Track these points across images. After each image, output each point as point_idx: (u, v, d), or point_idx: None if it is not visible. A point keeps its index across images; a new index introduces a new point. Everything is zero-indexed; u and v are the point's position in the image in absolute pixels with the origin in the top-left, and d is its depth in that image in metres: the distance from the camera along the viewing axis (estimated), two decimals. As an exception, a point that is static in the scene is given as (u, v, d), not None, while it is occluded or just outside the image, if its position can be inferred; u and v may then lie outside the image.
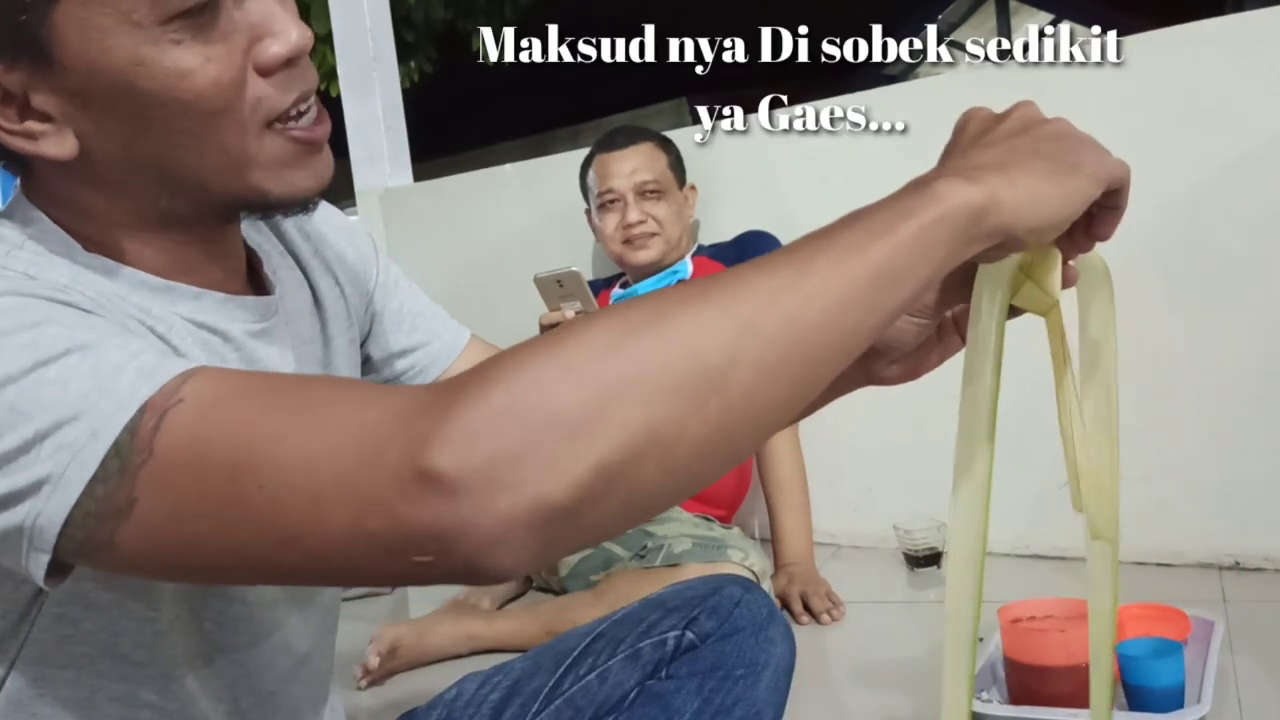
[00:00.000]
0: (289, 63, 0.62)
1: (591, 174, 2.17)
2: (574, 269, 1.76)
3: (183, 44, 0.58)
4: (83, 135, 0.60)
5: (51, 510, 0.50)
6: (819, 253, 0.51)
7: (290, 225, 0.81)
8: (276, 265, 0.78)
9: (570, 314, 1.76)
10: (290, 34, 0.61)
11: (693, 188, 2.20)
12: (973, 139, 0.60)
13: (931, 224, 0.53)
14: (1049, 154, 0.57)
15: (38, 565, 0.52)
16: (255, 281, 0.75)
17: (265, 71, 0.61)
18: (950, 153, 0.61)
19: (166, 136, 0.60)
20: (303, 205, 0.67)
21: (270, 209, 0.67)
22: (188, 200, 0.64)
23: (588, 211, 2.22)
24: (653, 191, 2.09)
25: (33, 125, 0.60)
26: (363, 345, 0.87)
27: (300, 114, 0.64)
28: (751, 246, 2.12)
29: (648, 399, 0.45)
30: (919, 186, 0.55)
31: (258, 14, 0.61)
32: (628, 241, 2.09)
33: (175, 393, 0.50)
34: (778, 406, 0.50)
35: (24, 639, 0.63)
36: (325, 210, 0.85)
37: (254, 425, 0.49)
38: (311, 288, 0.81)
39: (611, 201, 2.11)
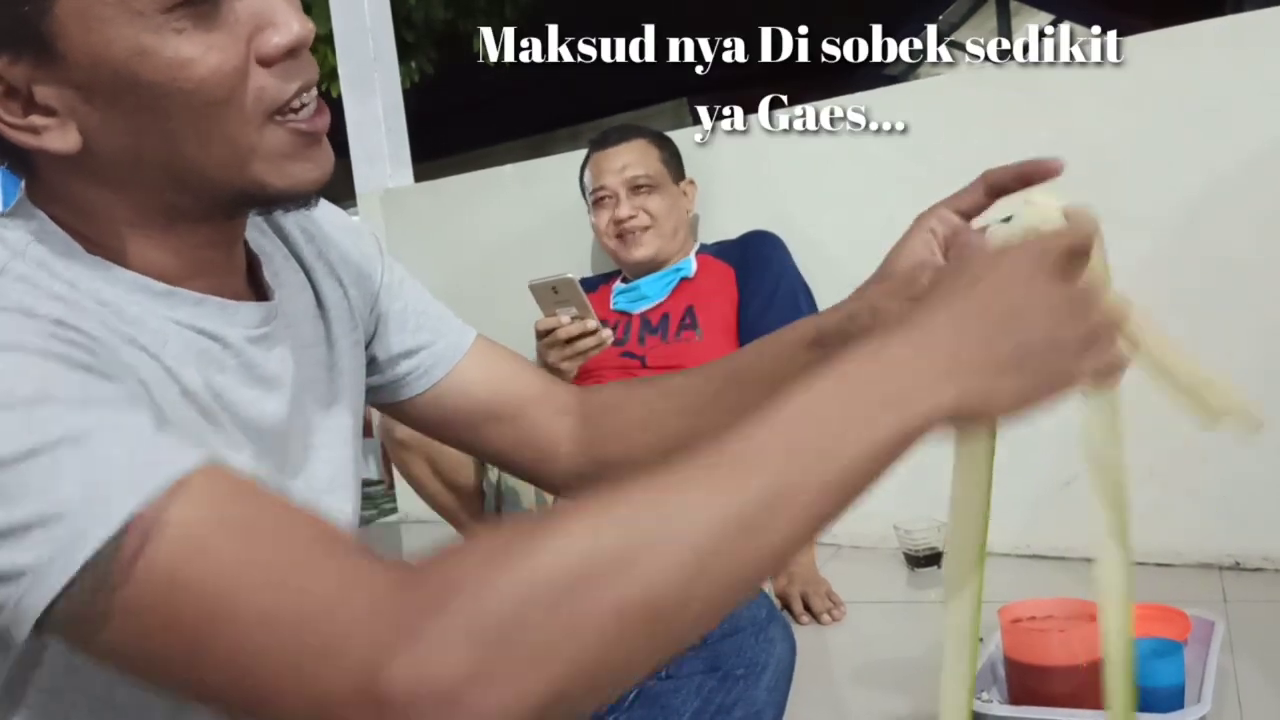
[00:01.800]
0: (291, 54, 0.62)
1: (587, 173, 2.20)
2: (568, 275, 1.77)
3: (184, 33, 0.58)
4: (86, 129, 0.60)
5: (28, 603, 0.50)
6: (776, 473, 0.50)
7: (294, 227, 0.81)
8: (280, 268, 0.78)
9: (566, 319, 1.77)
10: (292, 25, 0.61)
11: (691, 182, 2.21)
12: (980, 311, 0.55)
13: (900, 435, 0.52)
14: (1049, 372, 0.55)
15: (20, 636, 0.51)
16: (256, 285, 0.75)
17: (267, 62, 0.61)
18: (946, 301, 0.56)
19: (170, 128, 0.60)
20: (304, 199, 0.67)
21: (271, 203, 0.66)
22: (191, 195, 0.64)
23: (588, 211, 2.24)
24: (644, 186, 2.11)
25: (36, 119, 0.60)
26: (368, 347, 0.86)
27: (302, 105, 0.64)
28: (755, 246, 2.13)
29: (605, 638, 0.47)
30: (898, 376, 0.53)
31: (259, 4, 0.61)
32: (620, 237, 2.12)
33: (163, 513, 0.49)
34: (717, 619, 0.51)
35: (28, 686, 0.62)
36: (329, 211, 0.85)
37: (227, 590, 0.49)
38: (315, 290, 0.81)
39: (604, 198, 2.13)
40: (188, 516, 0.50)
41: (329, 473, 0.77)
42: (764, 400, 0.66)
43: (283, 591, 0.49)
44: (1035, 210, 0.63)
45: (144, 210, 0.64)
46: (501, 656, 0.45)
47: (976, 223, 0.76)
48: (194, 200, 0.64)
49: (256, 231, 0.77)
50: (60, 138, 0.60)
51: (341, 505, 0.78)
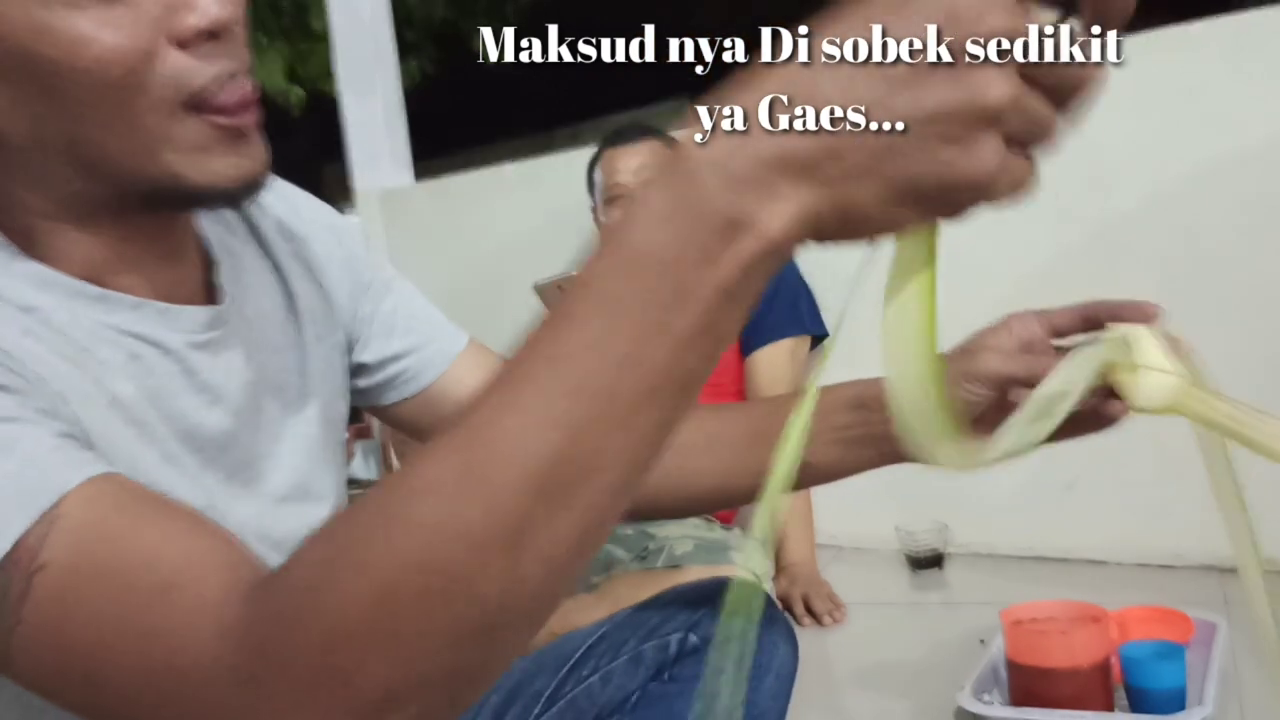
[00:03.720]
0: (211, 36, 0.58)
1: (599, 170, 2.17)
2: (573, 273, 1.76)
3: (81, 9, 0.55)
4: None
5: None
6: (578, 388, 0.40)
7: (270, 225, 0.78)
8: (247, 268, 0.75)
9: None
10: (210, 5, 0.57)
11: None
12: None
13: (741, 274, 0.39)
14: (913, 145, 0.38)
15: None
16: (213, 288, 0.72)
17: (181, 43, 0.58)
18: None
19: (69, 109, 0.58)
20: (228, 197, 0.63)
21: (190, 198, 0.63)
22: (102, 184, 0.61)
23: (594, 208, 2.22)
24: None
25: None
26: (353, 350, 0.85)
27: (226, 100, 0.60)
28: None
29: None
30: (714, 203, 0.38)
31: None
32: None
33: (40, 544, 0.50)
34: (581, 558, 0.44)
35: None
36: (314, 209, 0.83)
37: (102, 649, 0.49)
38: (287, 291, 0.78)
39: (618, 196, 2.11)
40: (61, 558, 0.50)
41: (290, 481, 0.74)
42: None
43: (147, 644, 0.49)
44: (1126, 339, 0.62)
45: (57, 201, 0.62)
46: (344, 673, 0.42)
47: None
48: (106, 190, 0.62)
49: (224, 230, 0.75)
50: None
51: (306, 512, 0.75)
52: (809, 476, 0.83)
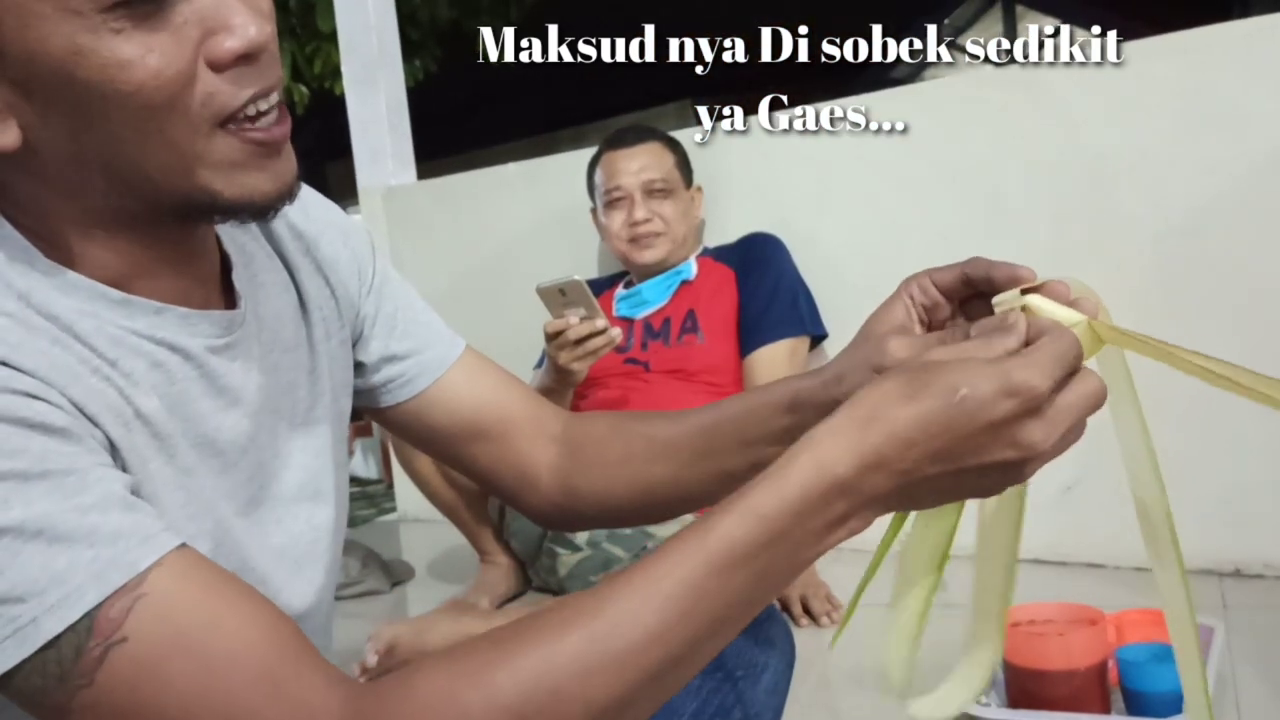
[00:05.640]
0: (246, 58, 0.59)
1: (599, 172, 2.17)
2: (575, 278, 1.76)
3: (123, 33, 0.56)
4: (26, 126, 0.58)
5: None
6: (712, 616, 0.56)
7: (282, 224, 0.79)
8: (260, 267, 0.76)
9: (575, 320, 1.76)
10: (248, 29, 0.58)
11: (699, 189, 2.20)
12: (939, 442, 0.55)
13: (823, 551, 0.58)
14: (981, 489, 0.59)
15: None
16: (230, 289, 0.73)
17: (218, 67, 0.59)
18: (907, 416, 0.55)
19: (108, 129, 0.58)
20: (260, 210, 0.64)
21: (225, 212, 0.64)
22: (136, 198, 0.62)
23: (594, 210, 2.23)
24: (660, 190, 2.09)
25: None
26: (356, 349, 0.85)
27: (259, 113, 0.61)
28: (756, 248, 2.12)
29: None
30: (834, 507, 0.56)
31: (212, 6, 0.58)
32: (633, 240, 2.10)
33: (123, 617, 0.52)
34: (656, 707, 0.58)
35: None
36: (322, 207, 0.84)
37: (184, 712, 0.53)
38: (298, 290, 0.79)
39: (619, 199, 2.11)
40: (147, 632, 0.53)
41: (301, 479, 0.76)
42: (736, 459, 0.70)
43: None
44: (1032, 310, 0.62)
45: (91, 212, 0.62)
46: None
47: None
48: (140, 204, 0.62)
49: (240, 230, 0.75)
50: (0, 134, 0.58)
51: (315, 511, 0.77)
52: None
